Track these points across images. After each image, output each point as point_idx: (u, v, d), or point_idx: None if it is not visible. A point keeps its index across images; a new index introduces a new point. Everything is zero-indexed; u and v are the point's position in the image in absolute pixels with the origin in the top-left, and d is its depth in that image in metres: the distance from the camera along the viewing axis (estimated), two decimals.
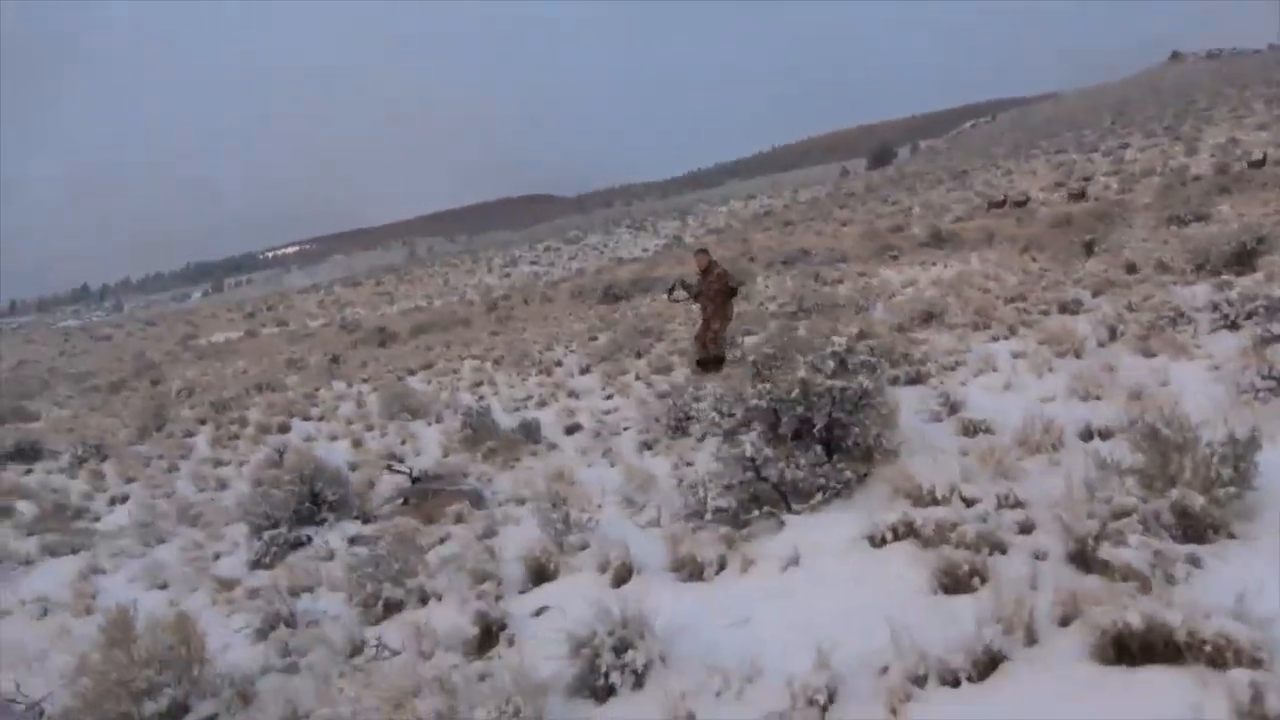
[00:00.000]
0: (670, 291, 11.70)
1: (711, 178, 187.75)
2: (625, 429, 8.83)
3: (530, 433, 9.26)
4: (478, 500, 7.18)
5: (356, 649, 4.42)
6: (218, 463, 11.23)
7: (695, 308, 11.68)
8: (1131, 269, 11.10)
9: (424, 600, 4.90)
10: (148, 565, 7.28)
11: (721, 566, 4.31)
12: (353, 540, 6.94)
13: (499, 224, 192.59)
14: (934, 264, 18.91)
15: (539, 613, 4.29)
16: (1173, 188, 28.20)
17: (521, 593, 4.64)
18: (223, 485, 9.97)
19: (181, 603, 6.21)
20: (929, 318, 10.61)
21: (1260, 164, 28.85)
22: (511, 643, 4.01)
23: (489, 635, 4.08)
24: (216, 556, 7.37)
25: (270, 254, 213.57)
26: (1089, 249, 14.32)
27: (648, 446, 7.87)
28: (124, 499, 10.12)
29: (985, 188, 59.01)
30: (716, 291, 10.70)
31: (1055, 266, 14.14)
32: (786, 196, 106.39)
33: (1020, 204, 33.76)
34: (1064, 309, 9.52)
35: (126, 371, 28.58)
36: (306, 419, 13.43)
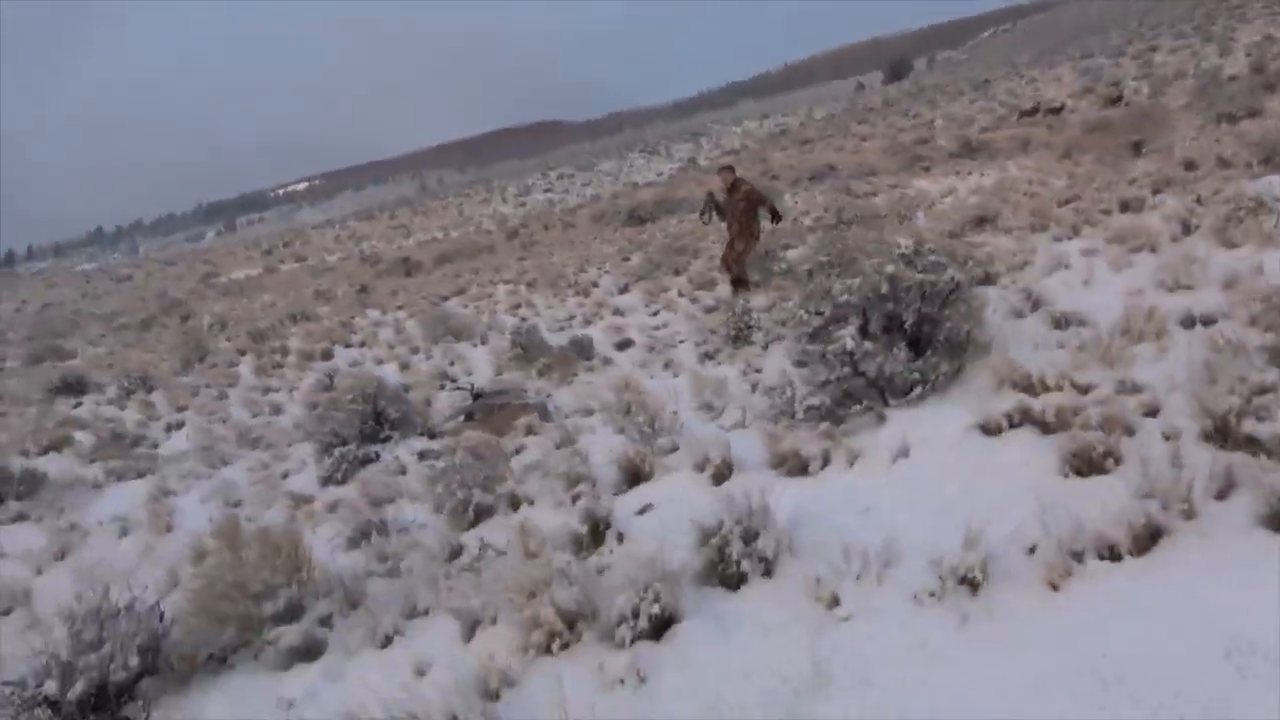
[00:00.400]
0: (703, 213, 11.18)
1: (722, 98, 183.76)
2: (680, 342, 8.73)
3: (582, 349, 9.20)
4: (544, 413, 7.15)
5: (454, 553, 4.41)
6: (267, 389, 11.27)
7: (724, 226, 11.14)
8: (1190, 166, 10.73)
9: (515, 505, 4.88)
10: (217, 485, 7.35)
11: (826, 461, 4.23)
12: (422, 455, 6.94)
13: (508, 153, 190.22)
14: (969, 174, 18.46)
15: (643, 511, 4.25)
16: (1208, 88, 27.28)
17: (617, 494, 4.60)
18: (277, 410, 10.02)
19: (260, 518, 6.24)
20: (981, 222, 10.34)
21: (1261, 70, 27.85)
22: (621, 539, 3.97)
23: (596, 533, 4.05)
24: (285, 475, 7.40)
25: (281, 191, 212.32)
26: (1137, 149, 13.90)
27: (709, 356, 7.79)
28: (179, 425, 10.20)
29: (1009, 97, 57.40)
30: (743, 210, 10.28)
31: (1103, 169, 13.75)
32: (802, 114, 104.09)
33: (1055, 111, 32.71)
34: (1126, 207, 9.23)
35: (153, 309, 28.63)
36: (348, 346, 13.43)
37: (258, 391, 11.21)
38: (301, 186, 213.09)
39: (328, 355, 12.70)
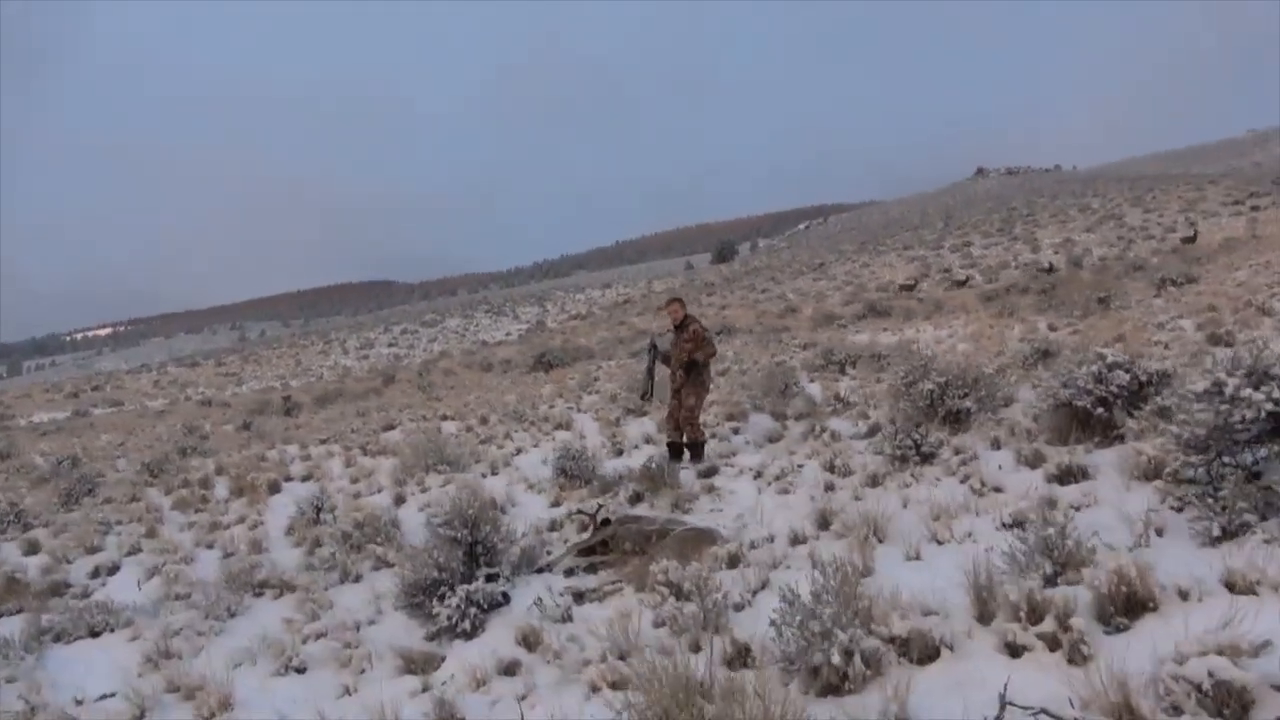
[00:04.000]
0: (650, 370, 9.05)
1: (560, 268, 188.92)
2: (800, 467, 7.44)
3: (659, 474, 7.69)
4: (714, 538, 5.63)
5: None
6: (214, 525, 8.86)
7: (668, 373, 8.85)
8: (1211, 308, 10.98)
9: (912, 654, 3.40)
10: (247, 643, 5.23)
11: None
12: (580, 596, 5.22)
13: (336, 309, 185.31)
14: (913, 329, 18.70)
15: None
16: (1081, 271, 30.07)
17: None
18: (257, 547, 7.73)
19: (376, 695, 4.30)
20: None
21: (1191, 240, 31.55)
22: None
23: None
24: (357, 626, 5.37)
25: (79, 335, 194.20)
26: (1103, 303, 14.38)
27: (874, 481, 6.56)
28: (113, 569, 7.68)
29: (849, 277, 61.82)
30: (690, 354, 8.39)
31: (1074, 320, 14.09)
32: (642, 286, 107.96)
33: (908, 288, 35.28)
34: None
35: None
36: (288, 479, 11.09)
37: (199, 529, 8.78)
38: (104, 332, 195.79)
39: (275, 488, 10.36)
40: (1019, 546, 3.94)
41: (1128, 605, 3.28)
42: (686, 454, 8.46)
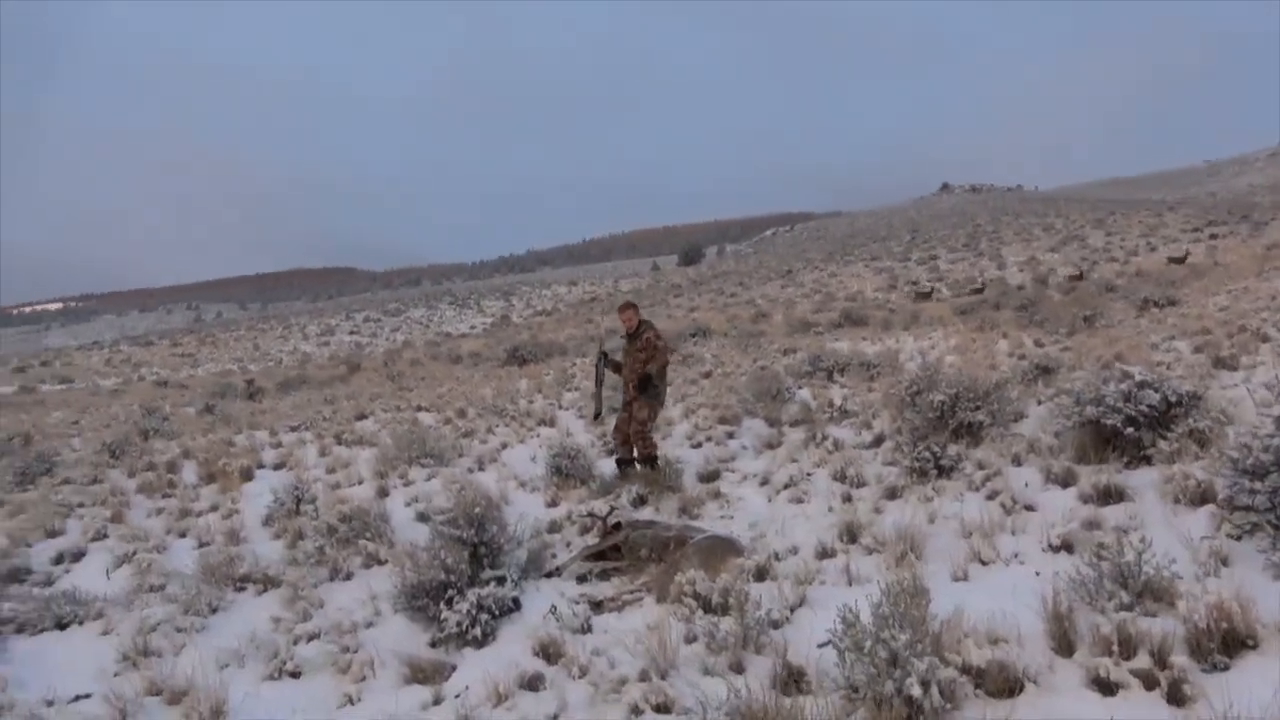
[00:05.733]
0: (598, 362, 8.20)
1: (525, 263, 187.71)
2: (808, 475, 7.21)
3: (665, 477, 7.40)
4: (737, 548, 5.37)
5: None
6: (185, 513, 8.39)
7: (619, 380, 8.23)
8: (1205, 331, 10.97)
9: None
10: (234, 642, 4.86)
11: None
12: (597, 605, 4.91)
13: (296, 294, 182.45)
14: (893, 339, 18.64)
15: None
16: (1044, 288, 30.45)
17: None
18: (234, 538, 7.30)
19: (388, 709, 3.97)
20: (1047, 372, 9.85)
21: (1181, 260, 32.15)
22: None
23: None
24: (354, 626, 5.01)
25: (26, 309, 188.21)
26: (1088, 321, 14.39)
27: (893, 493, 6.34)
28: (78, 555, 7.21)
29: (816, 285, 62.18)
30: (644, 363, 7.68)
31: (1061, 337, 14.10)
32: (609, 284, 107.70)
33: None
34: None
35: None
36: (260, 466, 10.62)
37: (170, 516, 8.30)
38: (53, 306, 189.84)
39: (248, 475, 9.89)
40: (1088, 573, 3.72)
41: (1225, 642, 3.07)
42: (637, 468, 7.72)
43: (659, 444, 8.56)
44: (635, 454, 7.78)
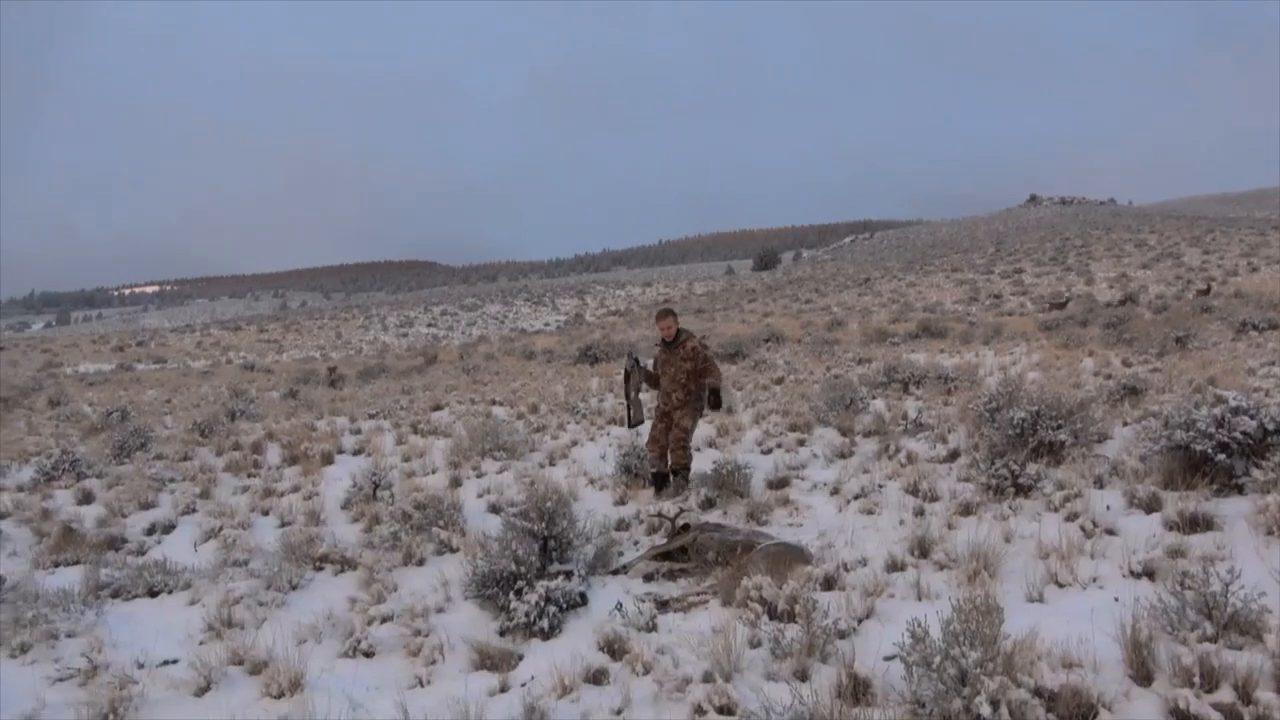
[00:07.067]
0: (627, 374, 8.02)
1: (600, 263, 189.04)
2: (880, 487, 7.12)
3: (734, 481, 7.39)
4: (805, 556, 5.35)
5: None
6: (268, 492, 8.73)
7: (655, 394, 8.01)
8: None
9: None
10: (314, 618, 5.04)
11: None
12: (663, 604, 4.96)
13: (377, 285, 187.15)
14: (972, 352, 18.23)
15: None
16: (1138, 308, 29.46)
17: None
18: (315, 519, 7.57)
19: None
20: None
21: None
22: None
23: None
24: (424, 611, 5.14)
25: (126, 291, 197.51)
26: (1180, 343, 13.86)
27: (967, 510, 6.22)
28: (169, 528, 7.57)
29: (894, 295, 61.13)
30: (689, 374, 7.54)
31: (1150, 358, 13.61)
32: (683, 287, 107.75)
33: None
34: None
35: (5, 390, 24.27)
36: (340, 451, 10.97)
37: (254, 495, 8.65)
38: (150, 289, 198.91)
39: (328, 459, 10.23)
40: (1169, 601, 3.61)
41: None
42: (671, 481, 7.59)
43: (729, 450, 8.57)
44: (670, 463, 7.61)
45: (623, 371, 8.18)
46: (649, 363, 8.11)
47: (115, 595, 5.81)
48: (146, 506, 8.35)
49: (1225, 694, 2.97)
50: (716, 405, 7.66)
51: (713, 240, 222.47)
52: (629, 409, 8.13)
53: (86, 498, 8.75)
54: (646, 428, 8.06)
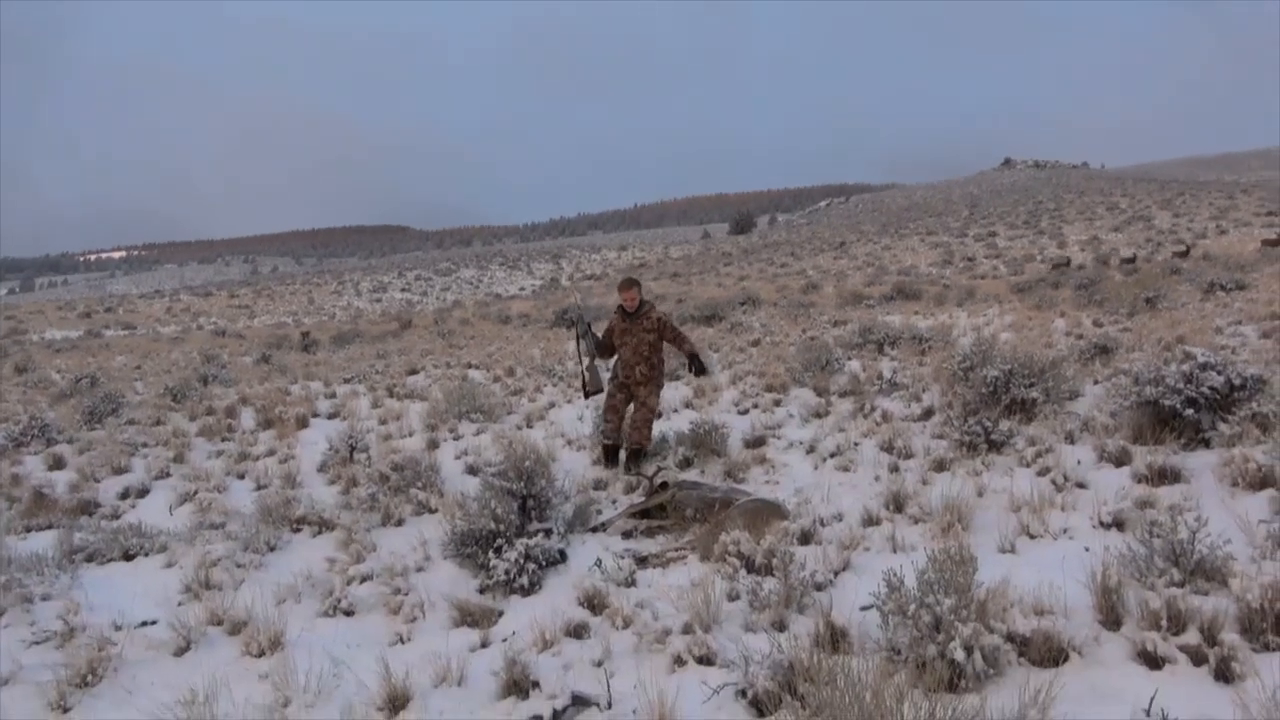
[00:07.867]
0: (583, 334, 7.63)
1: (575, 227, 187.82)
2: (855, 445, 7.19)
3: (710, 440, 7.43)
4: (782, 511, 5.41)
5: None
6: (243, 456, 8.68)
7: (611, 363, 7.62)
8: (1275, 316, 10.64)
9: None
10: (291, 579, 5.04)
11: None
12: (643, 560, 5.00)
13: (350, 250, 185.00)
14: (946, 314, 18.36)
15: None
16: (1109, 269, 29.77)
17: None
18: (291, 481, 7.54)
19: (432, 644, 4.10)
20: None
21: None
22: None
23: None
24: (404, 570, 5.15)
25: (92, 257, 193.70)
26: (1150, 303, 14.04)
27: (940, 466, 6.30)
28: (142, 492, 7.51)
29: (870, 258, 61.34)
30: (651, 345, 7.24)
31: (1121, 318, 13.78)
32: (659, 251, 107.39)
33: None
34: None
35: None
36: (314, 415, 10.90)
37: (229, 459, 8.59)
38: (117, 254, 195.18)
39: (303, 423, 10.17)
40: (1138, 549, 3.69)
41: (1279, 623, 3.04)
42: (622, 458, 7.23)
43: (706, 410, 8.59)
44: (628, 443, 7.22)
45: (573, 336, 7.83)
46: (601, 331, 7.69)
47: (90, 559, 5.77)
48: (120, 471, 8.26)
49: (1191, 636, 3.05)
50: (701, 371, 7.62)
51: (688, 204, 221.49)
52: (583, 377, 7.72)
53: (57, 463, 8.65)
54: (604, 399, 7.65)
